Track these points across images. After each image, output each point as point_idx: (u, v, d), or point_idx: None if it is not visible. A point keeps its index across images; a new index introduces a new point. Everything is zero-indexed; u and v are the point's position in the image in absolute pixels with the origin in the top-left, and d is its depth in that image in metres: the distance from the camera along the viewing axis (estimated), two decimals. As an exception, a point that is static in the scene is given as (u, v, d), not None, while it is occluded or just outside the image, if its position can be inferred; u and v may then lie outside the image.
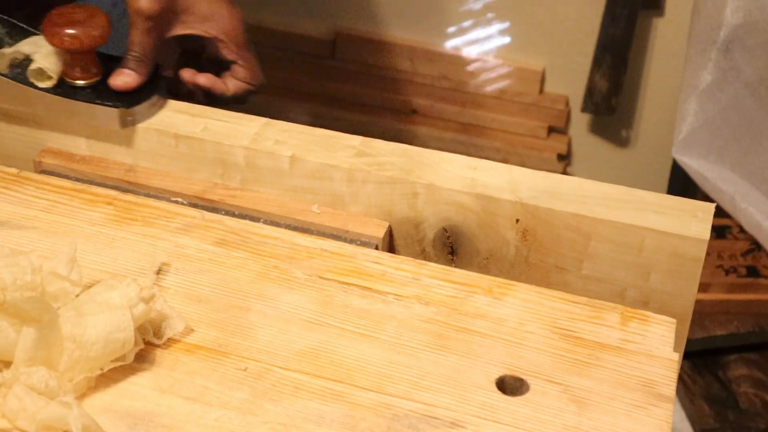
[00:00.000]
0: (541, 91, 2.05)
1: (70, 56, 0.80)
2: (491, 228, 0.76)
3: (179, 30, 0.86)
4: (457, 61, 2.08)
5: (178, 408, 0.59)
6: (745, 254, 1.82)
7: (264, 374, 0.61)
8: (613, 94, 1.95)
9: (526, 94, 2.06)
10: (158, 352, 0.63)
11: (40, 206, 0.74)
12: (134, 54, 0.82)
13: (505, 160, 1.95)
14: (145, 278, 0.67)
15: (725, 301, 1.77)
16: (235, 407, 0.59)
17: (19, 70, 0.81)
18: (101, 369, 0.59)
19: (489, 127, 2.10)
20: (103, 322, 0.59)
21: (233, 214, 0.78)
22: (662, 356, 0.64)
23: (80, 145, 0.83)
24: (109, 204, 0.75)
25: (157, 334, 0.63)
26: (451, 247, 0.79)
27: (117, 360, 0.60)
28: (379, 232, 0.77)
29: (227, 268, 0.69)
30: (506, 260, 0.78)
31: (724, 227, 1.86)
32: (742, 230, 1.83)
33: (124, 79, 0.81)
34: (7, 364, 0.59)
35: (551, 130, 2.09)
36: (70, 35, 0.77)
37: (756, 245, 1.82)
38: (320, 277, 0.69)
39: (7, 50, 0.81)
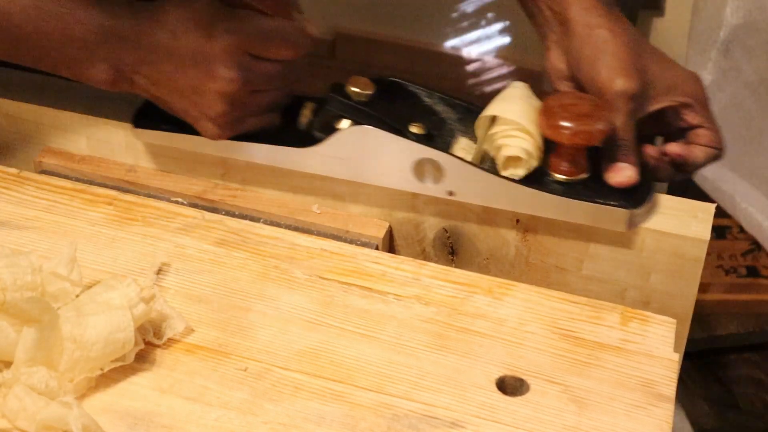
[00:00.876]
0: (541, 91, 2.05)
1: (563, 149, 0.72)
2: (491, 228, 0.76)
3: (654, 105, 0.76)
4: (457, 61, 2.08)
5: (178, 408, 0.59)
6: (745, 254, 1.82)
7: (264, 374, 0.61)
8: (613, 94, 1.95)
9: (526, 94, 2.05)
10: (158, 352, 0.63)
11: (40, 206, 0.74)
12: (625, 142, 0.73)
13: (505, 160, 1.95)
14: (145, 278, 0.67)
15: (725, 301, 1.76)
16: (235, 407, 0.59)
17: (486, 158, 0.74)
18: (101, 369, 0.59)
19: (489, 127, 2.10)
20: (103, 323, 0.59)
21: (233, 214, 0.78)
22: (662, 356, 0.64)
23: (80, 145, 0.83)
24: (109, 204, 0.75)
25: (158, 334, 0.63)
26: (451, 247, 0.79)
27: (117, 360, 0.60)
28: (380, 232, 0.77)
29: (227, 268, 0.69)
30: (506, 260, 0.78)
31: (724, 227, 1.85)
32: (742, 230, 1.83)
33: (625, 174, 0.72)
34: (8, 364, 0.59)
35: (551, 130, 2.09)
36: (576, 131, 0.70)
37: (756, 245, 1.82)
38: (320, 277, 0.69)
39: (462, 138, 0.76)
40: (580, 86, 0.76)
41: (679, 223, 0.73)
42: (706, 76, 1.54)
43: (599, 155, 0.73)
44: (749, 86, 1.52)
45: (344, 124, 0.75)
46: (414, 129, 0.74)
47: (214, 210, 0.78)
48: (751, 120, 1.54)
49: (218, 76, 0.72)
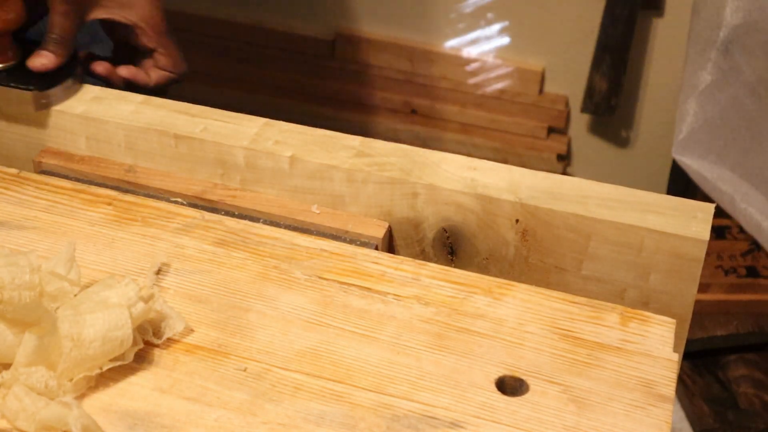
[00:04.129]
0: (540, 91, 2.05)
1: None
2: (491, 228, 0.76)
3: (98, 14, 0.87)
4: (457, 61, 2.08)
5: (178, 408, 0.59)
6: (744, 254, 1.82)
7: (264, 374, 0.61)
8: (612, 94, 1.95)
9: (525, 94, 2.06)
10: (158, 352, 0.63)
11: (39, 206, 0.74)
12: (53, 36, 0.83)
13: (504, 161, 1.95)
14: (144, 278, 0.67)
15: (725, 301, 1.77)
16: (235, 407, 0.59)
17: None
18: (100, 368, 0.59)
19: (489, 127, 2.11)
20: (101, 321, 0.59)
21: (233, 215, 0.78)
22: (662, 356, 0.64)
23: (80, 145, 0.83)
24: (109, 204, 0.75)
25: (157, 334, 0.63)
26: (450, 247, 0.79)
27: (116, 359, 0.60)
28: (379, 232, 0.77)
29: (227, 268, 0.69)
30: (506, 260, 0.78)
31: (723, 227, 1.86)
32: (741, 230, 1.83)
33: (41, 60, 0.82)
34: (6, 366, 0.59)
35: (551, 130, 2.09)
36: None
37: (756, 245, 1.82)
38: (320, 278, 0.69)
39: None
40: None
41: (678, 223, 0.73)
42: (706, 76, 1.55)
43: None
44: (749, 86, 1.52)
45: None
46: None
47: (213, 210, 0.78)
48: (751, 120, 1.54)
49: None
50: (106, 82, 0.90)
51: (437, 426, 0.59)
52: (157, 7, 0.89)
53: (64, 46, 0.83)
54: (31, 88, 0.81)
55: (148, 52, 0.91)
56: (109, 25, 0.90)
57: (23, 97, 0.81)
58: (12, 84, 0.81)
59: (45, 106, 0.81)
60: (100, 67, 0.89)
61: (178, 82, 0.93)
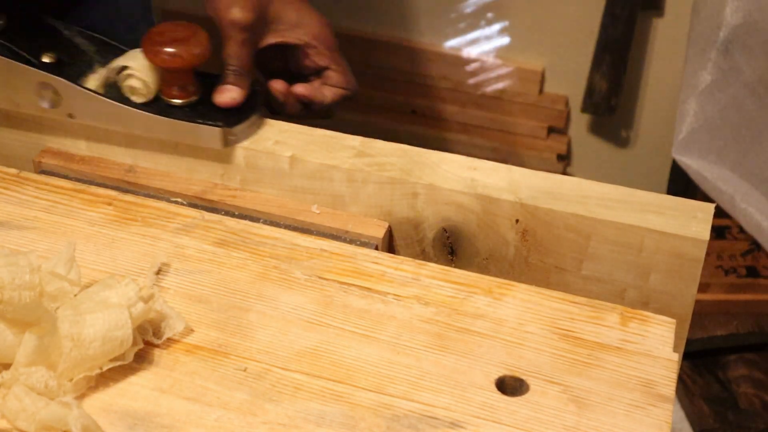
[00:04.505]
0: (540, 91, 2.05)
1: (169, 74, 0.78)
2: (491, 228, 0.76)
3: (271, 39, 0.83)
4: (457, 61, 2.08)
5: (178, 408, 0.59)
6: (744, 254, 1.82)
7: (264, 375, 0.61)
8: (612, 94, 1.95)
9: (525, 94, 2.06)
10: (158, 352, 0.63)
11: (39, 206, 0.74)
12: (233, 68, 0.79)
13: (504, 161, 1.95)
14: (144, 278, 0.67)
15: (725, 301, 1.76)
16: (235, 407, 0.59)
17: (114, 89, 0.79)
18: (100, 368, 0.59)
19: (489, 127, 2.10)
20: (100, 320, 0.59)
21: (233, 215, 0.78)
22: (662, 356, 0.64)
23: (80, 145, 0.83)
24: (109, 204, 0.75)
25: (157, 334, 0.63)
26: (450, 247, 0.79)
27: (116, 359, 0.60)
28: (379, 232, 0.77)
29: (227, 268, 0.69)
30: (506, 260, 0.78)
31: (723, 227, 1.85)
32: (741, 230, 1.83)
33: (229, 95, 0.78)
34: (6, 366, 0.59)
35: (551, 130, 2.09)
36: (171, 53, 0.76)
37: (756, 245, 1.82)
38: (320, 278, 0.69)
39: (100, 69, 0.80)
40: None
41: (678, 223, 0.73)
42: (706, 76, 1.54)
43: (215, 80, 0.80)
44: (749, 86, 1.52)
45: None
46: (46, 58, 0.79)
47: (213, 210, 0.78)
48: (751, 120, 1.54)
49: None
50: (275, 105, 0.86)
51: (437, 426, 0.59)
52: (326, 23, 0.86)
53: (246, 78, 0.79)
54: (219, 124, 0.77)
55: (317, 72, 0.86)
56: (272, 51, 0.85)
57: (211, 133, 0.78)
58: (199, 121, 0.77)
59: (233, 142, 0.78)
60: (279, 85, 0.85)
61: (351, 99, 0.88)
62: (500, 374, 0.62)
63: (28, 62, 0.78)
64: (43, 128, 0.83)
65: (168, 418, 0.58)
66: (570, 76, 2.02)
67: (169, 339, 0.63)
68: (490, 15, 2.03)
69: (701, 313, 1.74)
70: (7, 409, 0.57)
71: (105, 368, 0.59)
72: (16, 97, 0.80)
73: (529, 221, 0.75)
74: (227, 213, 0.78)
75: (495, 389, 0.61)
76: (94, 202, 0.75)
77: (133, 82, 0.78)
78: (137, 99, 0.78)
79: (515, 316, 0.66)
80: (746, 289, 1.77)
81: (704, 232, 0.72)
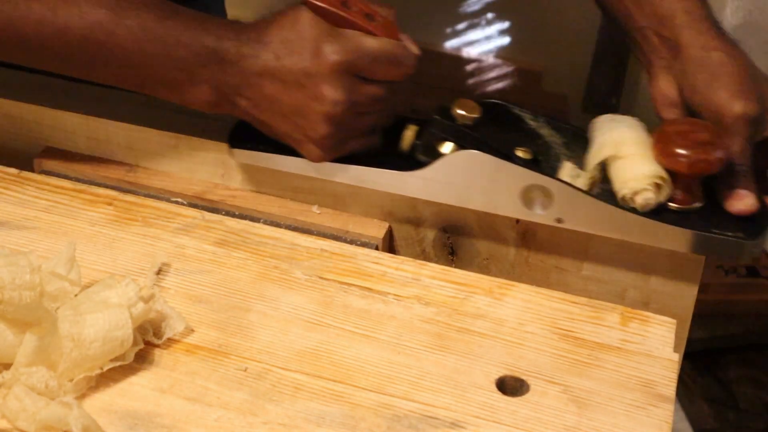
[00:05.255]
0: (541, 91, 2.05)
1: (680, 178, 0.70)
2: (491, 228, 0.76)
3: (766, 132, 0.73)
4: (457, 61, 2.08)
5: (178, 408, 0.59)
6: (744, 254, 1.81)
7: (264, 375, 0.61)
8: (613, 94, 1.95)
9: (526, 94, 2.06)
10: (158, 352, 0.62)
11: (40, 206, 0.74)
12: (744, 168, 0.70)
13: (505, 160, 1.94)
14: (145, 278, 0.67)
15: (725, 301, 1.76)
16: (235, 408, 0.59)
17: (605, 191, 0.72)
18: (101, 368, 0.59)
19: (489, 127, 2.10)
20: (101, 321, 0.59)
21: (233, 215, 0.78)
22: (662, 356, 0.64)
23: (80, 145, 0.83)
24: (109, 204, 0.75)
25: (157, 334, 0.63)
26: (451, 247, 0.79)
27: (116, 359, 0.60)
28: (380, 232, 0.77)
29: (227, 268, 0.69)
30: (506, 260, 0.78)
31: (724, 227, 1.85)
32: (742, 230, 1.83)
33: (748, 201, 0.70)
34: (6, 366, 0.59)
35: (551, 130, 2.09)
36: (695, 159, 0.68)
37: (756, 245, 1.82)
38: (320, 278, 0.69)
39: (567, 163, 0.75)
40: (689, 113, 0.74)
41: (679, 223, 0.73)
42: (706, 76, 1.54)
43: (714, 183, 0.71)
44: (749, 86, 1.51)
45: (447, 147, 0.73)
46: (520, 153, 0.73)
47: (214, 210, 0.78)
48: (751, 120, 1.53)
49: (324, 97, 0.70)
50: None
51: (438, 426, 0.59)
52: None
53: (754, 179, 0.70)
54: (740, 236, 0.69)
55: None
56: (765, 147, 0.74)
57: (736, 246, 0.69)
58: (716, 231, 0.69)
59: (756, 255, 0.70)
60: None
61: None
62: (500, 374, 0.62)
63: (505, 158, 0.72)
64: (44, 128, 0.83)
65: (168, 418, 0.58)
66: (570, 76, 2.02)
67: (169, 339, 0.63)
68: (490, 15, 2.03)
69: (701, 313, 1.73)
70: (8, 409, 0.57)
71: (105, 368, 0.59)
72: (497, 198, 0.73)
73: (529, 222, 0.75)
74: (228, 213, 0.78)
75: (495, 389, 0.61)
76: (95, 202, 0.75)
77: (648, 195, 0.70)
78: (641, 205, 0.70)
79: (515, 316, 0.66)
80: (746, 289, 1.77)
81: (705, 232, 0.72)
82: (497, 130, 0.74)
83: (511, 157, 0.72)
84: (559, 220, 0.72)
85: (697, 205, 0.71)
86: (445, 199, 0.74)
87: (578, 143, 0.75)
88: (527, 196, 0.72)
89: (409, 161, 0.75)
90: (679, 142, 0.69)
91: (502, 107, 0.77)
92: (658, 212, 0.70)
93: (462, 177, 0.73)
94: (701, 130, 0.69)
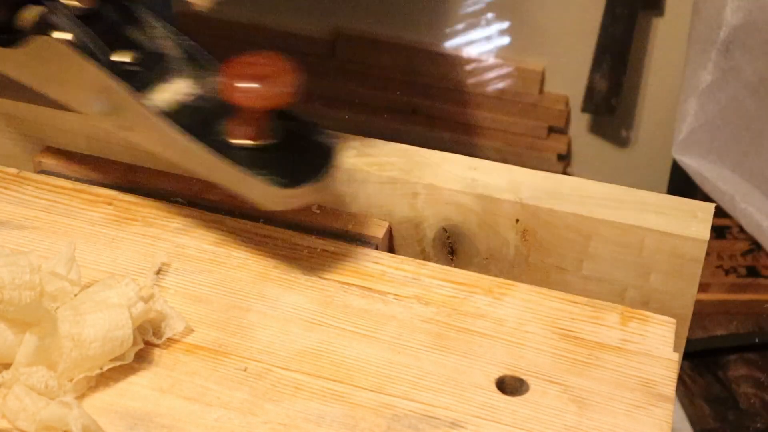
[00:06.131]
0: (541, 91, 2.05)
1: (242, 113, 0.67)
2: (491, 228, 0.76)
3: None
4: (457, 61, 2.08)
5: (178, 408, 0.59)
6: (745, 254, 1.82)
7: (264, 374, 0.61)
8: (613, 94, 1.95)
9: (526, 94, 2.06)
10: (158, 352, 0.63)
11: (39, 206, 0.74)
12: None
13: (505, 160, 1.95)
14: (144, 278, 0.67)
15: (725, 301, 1.77)
16: (235, 407, 0.59)
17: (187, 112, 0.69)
18: (101, 368, 0.59)
19: (489, 127, 2.11)
20: (101, 320, 0.59)
21: (233, 214, 0.78)
22: (662, 356, 0.64)
23: (80, 145, 0.83)
24: (109, 204, 0.75)
25: (157, 334, 0.63)
26: (451, 247, 0.79)
27: (116, 359, 0.60)
28: (379, 232, 0.77)
29: (227, 268, 0.69)
30: (506, 260, 0.78)
31: (724, 227, 1.86)
32: (742, 230, 1.83)
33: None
34: (6, 366, 0.59)
35: (551, 130, 2.09)
36: (250, 91, 0.65)
37: (756, 245, 1.82)
38: (320, 277, 0.69)
39: (179, 81, 0.71)
40: None
41: (678, 223, 0.73)
42: (706, 76, 1.55)
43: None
44: (749, 86, 1.52)
45: (44, 30, 0.70)
46: (117, 57, 0.70)
47: (214, 210, 0.78)
48: (751, 120, 1.54)
49: None
50: None
51: (438, 426, 0.59)
52: None
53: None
54: (279, 180, 0.65)
55: None
56: None
57: (270, 191, 0.65)
58: (260, 171, 0.65)
59: (292, 205, 0.67)
60: None
61: None
62: (500, 374, 0.62)
63: (95, 58, 0.68)
64: (43, 128, 0.83)
65: (168, 418, 0.58)
66: (570, 76, 2.02)
67: (169, 339, 0.63)
68: (490, 15, 2.03)
69: (701, 313, 1.74)
70: (8, 409, 0.57)
71: (105, 368, 0.59)
72: (70, 91, 0.71)
73: (530, 221, 0.75)
74: (228, 213, 0.78)
75: (495, 389, 0.61)
76: (95, 201, 0.75)
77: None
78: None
79: (515, 315, 0.66)
80: (746, 289, 1.77)
81: (704, 232, 0.72)
82: (107, 28, 0.71)
83: (100, 56, 0.69)
84: (125, 128, 0.70)
85: (266, 142, 0.67)
86: (31, 83, 0.73)
87: (198, 62, 0.72)
88: (97, 98, 0.70)
89: (12, 37, 0.73)
90: (242, 75, 0.65)
91: (126, 7, 0.73)
92: (226, 147, 0.67)
93: (46, 65, 0.71)
94: (267, 64, 0.67)
